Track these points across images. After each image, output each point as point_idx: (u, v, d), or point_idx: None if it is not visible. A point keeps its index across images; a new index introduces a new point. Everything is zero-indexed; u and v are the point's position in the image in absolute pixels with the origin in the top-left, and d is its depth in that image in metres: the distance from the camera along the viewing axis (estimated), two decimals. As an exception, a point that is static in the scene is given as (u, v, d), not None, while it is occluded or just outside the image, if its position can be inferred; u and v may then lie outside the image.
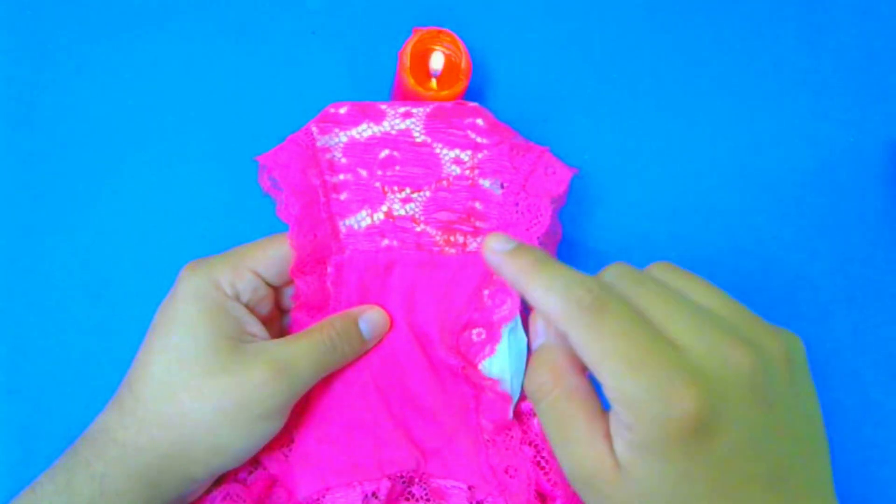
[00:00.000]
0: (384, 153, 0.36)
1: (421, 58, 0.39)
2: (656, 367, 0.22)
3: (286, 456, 0.36)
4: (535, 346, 0.28)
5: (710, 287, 0.26)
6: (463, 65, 0.39)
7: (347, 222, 0.36)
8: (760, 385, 0.23)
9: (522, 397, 0.37)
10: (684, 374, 0.22)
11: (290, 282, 0.35)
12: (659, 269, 0.26)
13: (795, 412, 0.24)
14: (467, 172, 0.36)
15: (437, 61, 0.39)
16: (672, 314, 0.24)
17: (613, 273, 0.26)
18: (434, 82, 0.39)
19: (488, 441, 0.36)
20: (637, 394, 0.22)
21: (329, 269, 0.36)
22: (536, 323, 0.28)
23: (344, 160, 0.36)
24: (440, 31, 0.39)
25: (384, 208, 0.36)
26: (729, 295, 0.26)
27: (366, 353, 0.36)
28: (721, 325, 0.24)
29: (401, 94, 0.40)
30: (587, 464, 0.24)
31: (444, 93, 0.38)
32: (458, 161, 0.36)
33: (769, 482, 0.23)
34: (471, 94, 0.43)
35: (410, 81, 0.38)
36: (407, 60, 0.38)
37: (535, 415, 0.37)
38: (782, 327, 0.26)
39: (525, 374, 0.33)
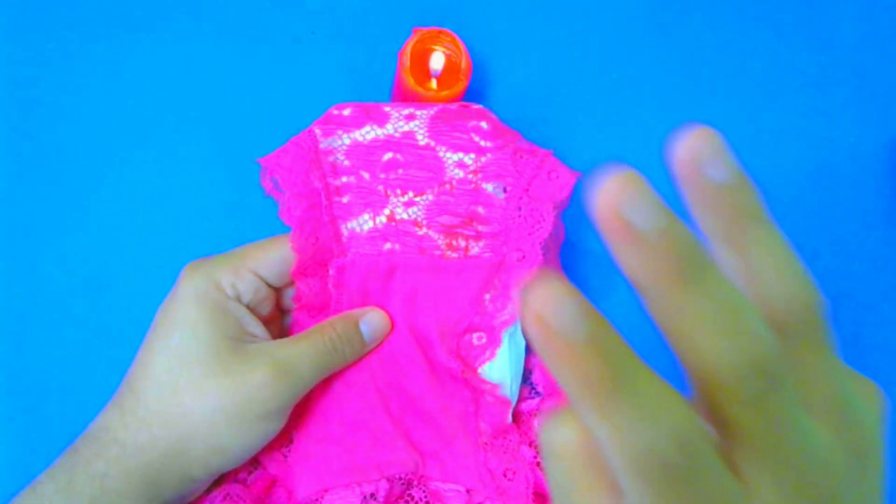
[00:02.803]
0: (387, 156, 0.36)
1: (421, 58, 0.39)
2: None
3: (285, 456, 0.36)
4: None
5: (831, 376, 0.19)
6: (463, 65, 0.39)
7: (350, 225, 0.36)
8: None
9: (521, 399, 0.37)
10: None
11: (291, 283, 0.35)
12: (812, 358, 0.19)
13: None
14: (470, 176, 0.36)
15: (437, 61, 0.39)
16: (764, 476, 0.18)
17: (746, 367, 0.16)
18: (434, 82, 0.39)
19: (487, 444, 0.36)
20: None
21: (331, 272, 0.36)
22: None
23: (347, 162, 0.36)
24: (440, 31, 0.39)
25: (387, 212, 0.36)
26: (842, 374, 0.20)
27: (366, 355, 0.36)
28: (800, 481, 0.18)
29: (401, 95, 0.40)
30: None
31: (444, 93, 0.38)
32: (461, 164, 0.36)
33: None
34: (471, 94, 0.43)
35: (410, 81, 0.38)
36: (407, 60, 0.38)
37: (535, 415, 0.37)
38: (865, 381, 0.21)
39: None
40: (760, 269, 0.18)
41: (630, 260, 0.16)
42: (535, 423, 0.36)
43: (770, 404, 0.17)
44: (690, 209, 0.18)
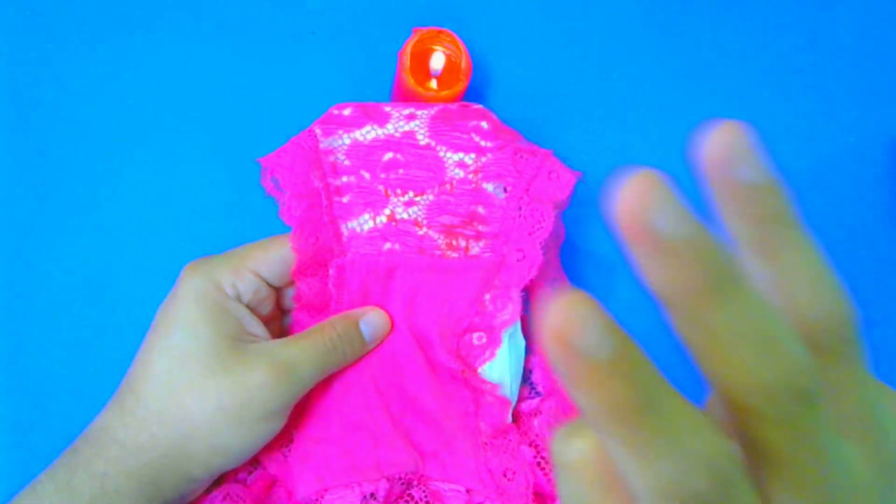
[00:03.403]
0: (387, 156, 0.36)
1: (421, 58, 0.39)
2: None
3: (285, 456, 0.36)
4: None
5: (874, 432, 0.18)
6: (463, 65, 0.39)
7: (350, 225, 0.36)
8: None
9: (521, 399, 0.37)
10: None
11: (291, 282, 0.35)
12: (845, 375, 0.18)
13: None
14: (471, 176, 0.36)
15: (437, 61, 0.39)
16: (792, 499, 0.17)
17: (780, 389, 0.15)
18: (434, 82, 0.39)
19: (486, 444, 0.36)
20: None
21: (331, 272, 0.36)
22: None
23: (347, 162, 0.36)
24: (440, 31, 0.39)
25: (387, 211, 0.36)
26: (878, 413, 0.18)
27: (366, 354, 0.36)
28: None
29: (401, 95, 0.40)
30: None
31: (444, 93, 0.38)
32: (461, 164, 0.36)
33: None
34: (471, 94, 0.43)
35: (410, 81, 0.38)
36: (407, 60, 0.38)
37: (535, 415, 0.37)
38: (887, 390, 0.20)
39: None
40: (792, 278, 0.17)
41: (655, 271, 0.15)
42: (535, 422, 0.36)
43: (804, 427, 0.16)
44: (718, 212, 0.16)
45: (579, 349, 0.13)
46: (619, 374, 0.14)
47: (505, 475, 0.35)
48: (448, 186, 0.36)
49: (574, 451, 0.17)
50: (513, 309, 0.35)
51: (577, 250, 0.43)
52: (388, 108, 0.37)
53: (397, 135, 0.36)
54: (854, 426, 0.17)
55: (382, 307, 0.36)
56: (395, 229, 0.36)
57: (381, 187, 0.36)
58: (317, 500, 0.35)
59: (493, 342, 0.36)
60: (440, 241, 0.36)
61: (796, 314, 0.17)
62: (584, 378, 0.14)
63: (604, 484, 0.17)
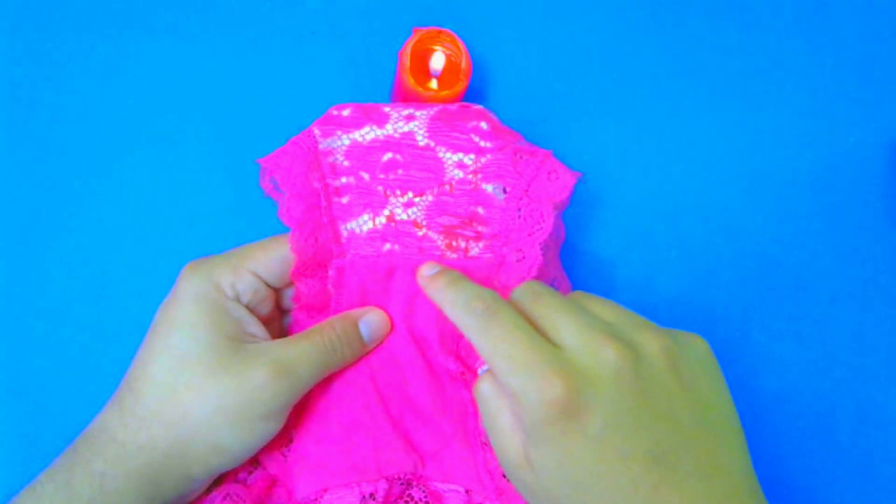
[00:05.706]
0: (387, 156, 0.36)
1: (421, 58, 0.39)
2: (532, 363, 0.26)
3: (285, 456, 0.36)
4: None
5: (609, 302, 0.30)
6: (463, 65, 0.39)
7: (349, 226, 0.36)
8: (628, 375, 0.27)
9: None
10: (555, 367, 0.26)
11: (290, 283, 0.35)
12: (572, 294, 0.31)
13: (679, 401, 0.27)
14: (470, 177, 0.36)
15: (437, 61, 0.39)
16: (558, 320, 0.28)
17: (520, 289, 0.30)
18: (434, 82, 0.39)
19: (486, 444, 0.36)
20: (518, 386, 0.26)
21: (330, 272, 0.36)
22: None
23: (346, 163, 0.36)
24: (440, 31, 0.39)
25: (386, 212, 0.36)
26: (626, 309, 0.30)
27: (366, 355, 0.36)
28: (598, 328, 0.28)
29: (401, 95, 0.40)
30: (510, 454, 0.28)
31: (444, 93, 0.38)
32: (461, 165, 0.36)
33: (651, 460, 0.26)
34: (471, 94, 0.43)
35: (410, 81, 0.38)
36: (407, 60, 0.38)
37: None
38: (687, 332, 0.30)
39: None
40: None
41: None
42: None
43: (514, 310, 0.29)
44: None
45: (423, 274, 0.31)
46: (441, 275, 0.31)
47: (504, 475, 0.35)
48: (447, 187, 0.36)
49: (484, 385, 0.29)
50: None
51: (577, 250, 0.43)
52: (387, 109, 0.37)
53: (396, 135, 0.36)
54: (562, 315, 0.28)
55: (382, 308, 0.36)
56: (394, 230, 0.36)
57: (380, 188, 0.36)
58: (316, 500, 0.35)
59: (493, 343, 0.36)
60: (440, 242, 0.36)
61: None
62: (427, 283, 0.31)
63: (499, 399, 0.29)
